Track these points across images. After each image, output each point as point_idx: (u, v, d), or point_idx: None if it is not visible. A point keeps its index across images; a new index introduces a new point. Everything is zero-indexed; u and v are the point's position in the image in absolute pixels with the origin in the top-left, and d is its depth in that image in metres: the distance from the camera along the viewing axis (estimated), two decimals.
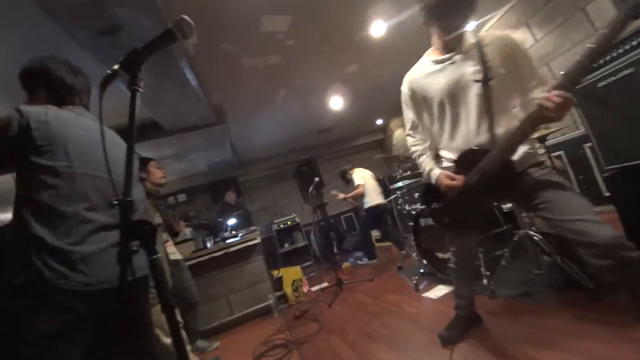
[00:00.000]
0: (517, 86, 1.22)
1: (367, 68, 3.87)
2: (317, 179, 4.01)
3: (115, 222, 1.04)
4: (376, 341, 2.03)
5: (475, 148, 1.24)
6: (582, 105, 1.95)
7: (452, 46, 1.25)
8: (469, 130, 1.26)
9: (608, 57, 1.64)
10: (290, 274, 3.84)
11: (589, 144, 3.17)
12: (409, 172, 3.87)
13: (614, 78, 1.61)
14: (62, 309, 0.86)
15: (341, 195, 4.27)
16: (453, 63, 1.26)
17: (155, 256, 0.57)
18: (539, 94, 1.02)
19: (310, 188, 3.88)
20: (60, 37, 2.01)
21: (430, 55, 1.35)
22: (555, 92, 0.94)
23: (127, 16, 1.95)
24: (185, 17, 0.68)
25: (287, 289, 3.66)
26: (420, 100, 1.39)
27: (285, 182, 7.10)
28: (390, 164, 4.49)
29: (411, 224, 2.97)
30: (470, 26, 1.26)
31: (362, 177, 4.27)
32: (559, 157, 3.50)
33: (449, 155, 1.38)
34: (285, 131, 5.52)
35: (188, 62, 2.65)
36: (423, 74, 1.34)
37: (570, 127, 3.37)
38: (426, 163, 1.41)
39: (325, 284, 3.94)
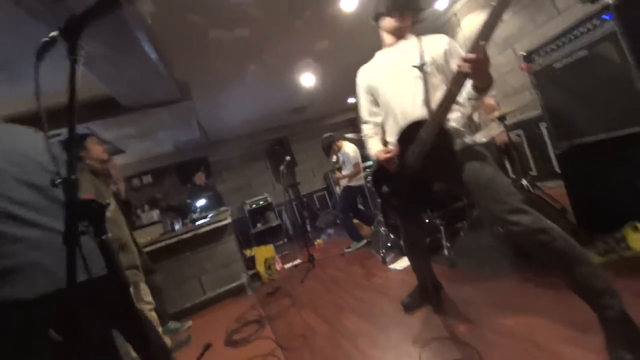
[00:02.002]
0: (447, 76, 1.36)
1: (339, 45, 3.79)
2: (288, 157, 3.97)
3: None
4: (346, 312, 2.13)
5: (413, 122, 1.32)
6: (539, 86, 2.06)
7: (401, 35, 1.45)
8: (406, 109, 1.38)
9: (565, 40, 1.73)
10: (263, 252, 3.87)
11: (545, 123, 3.37)
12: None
13: (569, 60, 1.71)
14: None
15: (339, 174, 3.84)
16: (396, 51, 1.45)
17: (104, 236, 0.55)
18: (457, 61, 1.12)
19: (281, 167, 3.84)
20: (10, 6, 1.80)
21: (380, 51, 1.56)
22: (473, 48, 1.03)
23: None
24: None
25: (260, 268, 3.70)
26: (369, 93, 1.55)
27: (257, 162, 6.99)
28: (362, 142, 4.57)
29: (379, 201, 3.06)
30: (441, 4, 1.36)
31: (356, 152, 3.91)
32: (518, 135, 3.71)
33: (392, 137, 1.48)
34: (257, 109, 5.36)
35: (146, 34, 2.47)
36: (371, 66, 1.56)
37: (529, 106, 3.55)
38: (372, 144, 1.53)
39: (298, 261, 4.02)
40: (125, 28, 2.20)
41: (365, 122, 1.62)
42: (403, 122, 1.37)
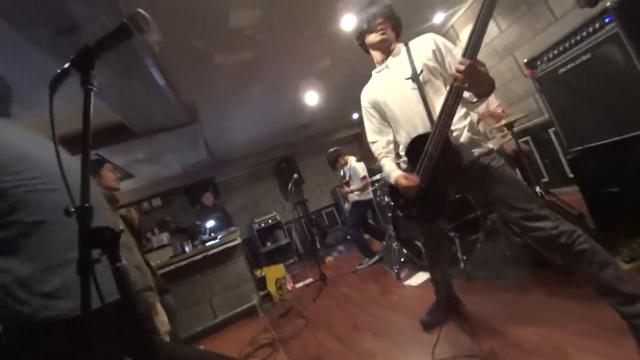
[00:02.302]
0: (445, 76, 1.34)
1: (340, 62, 3.87)
2: (295, 175, 3.98)
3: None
4: (361, 331, 2.06)
5: (418, 135, 1.32)
6: (545, 92, 2.04)
7: (387, 48, 1.44)
8: (411, 123, 1.37)
9: (567, 44, 1.73)
10: (274, 272, 3.82)
11: (553, 129, 3.33)
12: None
13: (573, 64, 1.70)
14: None
15: (347, 189, 3.81)
16: (387, 67, 1.45)
17: (119, 264, 0.54)
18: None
19: (289, 185, 3.84)
20: (16, 39, 1.89)
21: (374, 70, 1.55)
22: (459, 61, 1.01)
23: (86, 14, 1.84)
24: (141, 10, 0.64)
25: (271, 288, 3.64)
26: (376, 110, 1.53)
27: (264, 181, 7.02)
28: (370, 157, 4.55)
29: (390, 214, 3.02)
30: (439, 18, 1.36)
31: (363, 167, 3.88)
32: (526, 142, 3.67)
33: (402, 151, 1.49)
34: (262, 129, 5.44)
35: (154, 61, 2.54)
36: (372, 85, 1.55)
37: (536, 113, 3.53)
38: (388, 165, 1.50)
39: (309, 280, 3.94)
40: (134, 56, 2.28)
41: (374, 142, 1.58)
42: (409, 137, 1.37)
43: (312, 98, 4.74)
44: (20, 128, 1.00)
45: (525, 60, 2.02)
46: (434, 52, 1.32)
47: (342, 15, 3.01)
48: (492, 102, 2.84)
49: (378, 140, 1.56)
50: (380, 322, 2.08)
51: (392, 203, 1.65)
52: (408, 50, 1.38)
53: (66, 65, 0.62)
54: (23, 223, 0.84)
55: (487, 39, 3.65)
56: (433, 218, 1.54)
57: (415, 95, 1.33)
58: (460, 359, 1.38)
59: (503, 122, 2.32)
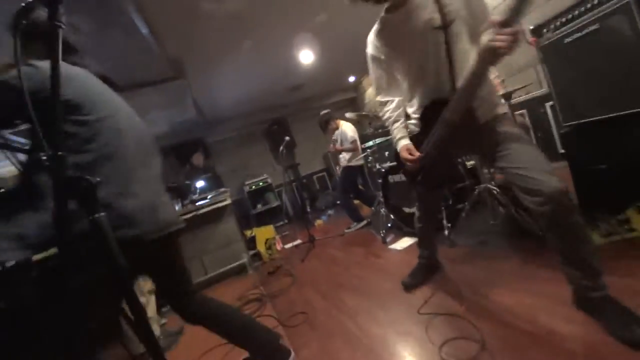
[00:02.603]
0: (473, 30, 1.16)
1: (338, 18, 3.65)
2: (287, 138, 3.91)
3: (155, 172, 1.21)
4: (346, 290, 2.15)
5: (436, 101, 1.21)
6: (547, 62, 1.98)
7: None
8: (430, 84, 1.23)
9: (576, 12, 1.64)
10: (264, 233, 3.89)
11: (550, 103, 3.30)
12: (380, 131, 3.88)
13: (579, 34, 1.63)
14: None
15: (338, 146, 3.77)
16: (408, 13, 1.19)
17: (97, 215, 0.52)
18: (488, 35, 0.98)
19: (281, 148, 3.79)
20: None
21: (385, 14, 1.30)
22: (506, 29, 0.89)
23: None
24: None
25: (261, 248, 3.73)
26: (384, 59, 1.35)
27: (256, 143, 6.90)
28: (361, 122, 4.46)
29: (380, 181, 3.04)
30: None
31: (354, 131, 3.85)
32: (522, 115, 3.64)
33: (415, 114, 1.37)
34: (254, 88, 5.23)
35: (136, 7, 2.35)
36: (383, 28, 1.31)
37: (534, 85, 3.47)
38: (397, 131, 1.41)
39: (298, 241, 4.05)
40: (116, 1, 2.09)
41: (385, 102, 1.45)
42: (426, 99, 1.25)
43: (306, 57, 4.53)
44: (92, 74, 1.16)
45: (531, 27, 1.93)
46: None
47: None
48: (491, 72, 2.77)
49: (389, 101, 1.43)
50: (364, 282, 2.18)
51: (397, 165, 1.54)
52: None
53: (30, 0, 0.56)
54: (99, 151, 0.99)
55: (494, 1, 3.47)
56: (438, 185, 1.52)
57: (441, 49, 1.14)
58: (438, 317, 1.46)
59: (501, 92, 2.28)
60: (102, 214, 0.53)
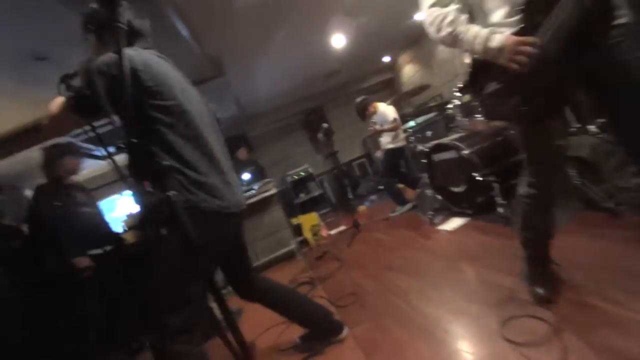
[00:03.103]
0: None
1: None
2: (325, 124, 3.92)
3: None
4: (395, 271, 2.14)
5: None
6: None
7: None
8: None
9: None
10: (309, 220, 3.98)
11: None
12: (420, 109, 3.72)
13: None
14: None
15: (377, 127, 3.65)
16: None
17: (169, 193, 0.58)
18: None
19: (319, 134, 3.81)
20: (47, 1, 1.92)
21: None
22: None
23: None
24: None
25: (307, 234, 3.83)
26: None
27: (295, 133, 7.03)
28: (401, 103, 4.30)
29: (424, 161, 2.94)
30: None
31: (394, 111, 3.72)
32: None
33: (506, 17, 0.93)
34: (290, 78, 5.30)
35: (176, 11, 2.49)
36: None
37: None
38: (472, 28, 0.94)
39: (342, 227, 4.08)
40: (156, 7, 2.23)
41: (452, 8, 0.99)
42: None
43: (339, 41, 4.47)
44: (164, 60, 1.18)
45: None
46: None
47: None
48: None
49: (445, 3, 1.00)
50: (413, 264, 2.15)
51: (473, 91, 1.10)
52: None
53: (93, 4, 0.62)
54: (183, 134, 1.05)
55: None
56: (548, 114, 0.98)
57: None
58: (495, 297, 1.40)
59: None
60: (175, 192, 0.59)
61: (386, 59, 6.57)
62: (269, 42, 3.78)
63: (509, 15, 0.92)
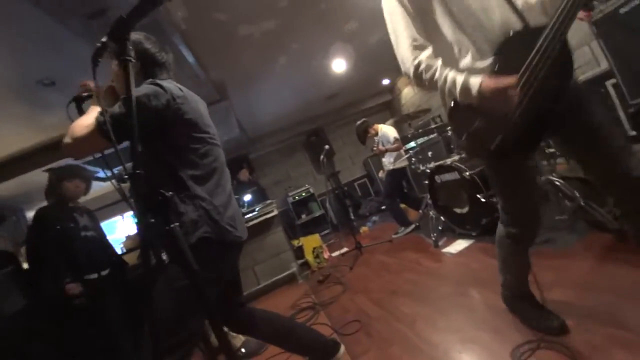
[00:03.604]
0: None
1: (368, 24, 3.65)
2: (326, 146, 3.95)
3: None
4: (401, 296, 2.08)
5: (515, 34, 0.90)
6: (604, 37, 1.80)
7: None
8: (492, 21, 0.93)
9: None
10: (310, 242, 3.93)
11: (612, 81, 2.95)
12: (420, 131, 3.76)
13: (637, 2, 1.47)
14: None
15: (382, 147, 3.65)
16: None
17: (172, 225, 0.57)
18: None
19: (321, 156, 3.83)
20: (53, 28, 1.99)
21: None
22: None
23: None
24: None
25: (309, 257, 3.77)
26: (417, 8, 1.03)
27: (296, 154, 7.08)
28: (401, 125, 4.35)
29: (427, 182, 2.94)
30: None
31: (394, 132, 3.74)
32: None
33: (478, 61, 0.96)
34: (291, 101, 5.40)
35: (182, 38, 2.57)
36: None
37: (590, 64, 3.14)
38: (450, 72, 0.95)
39: (345, 249, 4.02)
40: (162, 34, 2.30)
41: (417, 47, 1.01)
42: (490, 41, 0.93)
43: (339, 65, 4.59)
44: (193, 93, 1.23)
45: None
46: None
47: None
48: None
49: (424, 45, 1.02)
50: (418, 288, 2.09)
51: (457, 131, 1.11)
52: None
53: (104, 38, 0.64)
54: (210, 166, 1.11)
55: None
56: (531, 147, 1.02)
57: None
58: (505, 323, 1.35)
59: None
60: (176, 224, 0.59)
61: (385, 81, 6.72)
62: (271, 67, 3.88)
63: (477, 60, 0.96)
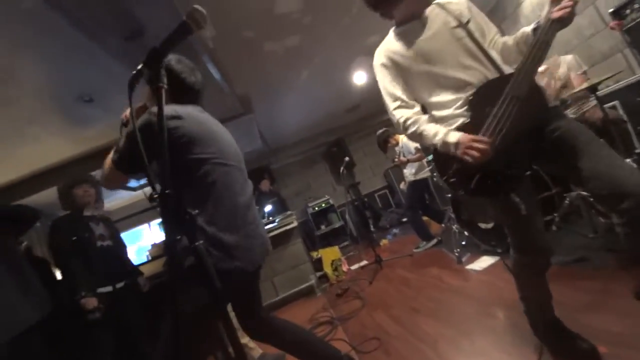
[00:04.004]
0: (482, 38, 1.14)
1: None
2: (347, 158, 3.96)
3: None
4: (422, 314, 2.02)
5: (486, 84, 1.03)
6: (637, 44, 1.71)
7: (417, 11, 1.18)
8: (465, 71, 1.08)
9: None
10: (329, 254, 3.91)
11: None
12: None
13: None
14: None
15: (403, 158, 3.58)
16: (422, 22, 1.16)
17: (197, 243, 0.60)
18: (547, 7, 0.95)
19: (341, 168, 3.84)
20: (92, 47, 2.15)
21: (397, 27, 1.25)
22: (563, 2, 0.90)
23: (148, 16, 2.00)
24: (197, 6, 0.67)
25: (327, 269, 3.74)
26: (400, 70, 1.20)
27: (316, 165, 7.13)
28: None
29: (449, 195, 2.86)
30: None
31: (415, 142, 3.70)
32: (613, 107, 3.14)
33: (455, 110, 1.11)
34: (312, 113, 5.48)
35: (210, 57, 2.69)
36: (396, 41, 1.22)
37: (625, 72, 2.99)
38: (431, 127, 1.10)
39: (364, 262, 3.96)
40: (192, 54, 2.43)
41: (402, 106, 1.18)
42: (468, 88, 1.07)
43: (360, 78, 4.62)
44: (207, 114, 1.28)
45: (611, 10, 1.71)
46: (469, 9, 1.15)
47: None
48: (573, 66, 2.46)
49: (407, 103, 1.18)
50: (442, 307, 2.02)
51: (439, 173, 1.21)
52: (443, 6, 1.15)
53: (140, 67, 0.69)
54: (208, 188, 1.10)
55: None
56: (508, 189, 1.08)
57: (467, 41, 1.09)
58: (533, 349, 1.28)
59: (584, 85, 2.01)
60: (201, 241, 0.61)
61: None
62: (293, 81, 3.97)
63: (453, 109, 1.10)
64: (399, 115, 1.18)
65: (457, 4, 1.16)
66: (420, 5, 1.18)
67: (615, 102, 3.15)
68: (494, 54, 1.11)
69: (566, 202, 2.01)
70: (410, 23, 1.19)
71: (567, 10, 0.90)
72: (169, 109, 1.06)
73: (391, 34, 1.27)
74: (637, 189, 0.86)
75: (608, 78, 2.19)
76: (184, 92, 1.20)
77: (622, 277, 1.47)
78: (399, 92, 1.19)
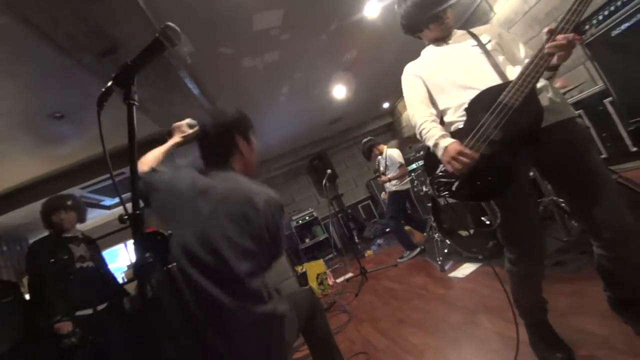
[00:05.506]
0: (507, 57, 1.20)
1: (367, 52, 3.78)
2: (329, 171, 3.98)
3: None
4: (408, 326, 2.01)
5: (486, 90, 1.07)
6: (597, 58, 1.83)
7: (442, 36, 1.31)
8: (474, 78, 1.14)
9: (619, 3, 1.54)
10: (314, 268, 3.86)
11: (610, 99, 2.99)
12: (421, 153, 3.79)
13: (627, 24, 1.51)
14: None
15: (384, 177, 3.61)
16: (446, 43, 1.30)
17: (170, 265, 0.57)
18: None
19: (324, 181, 3.84)
20: (65, 64, 2.09)
21: (427, 48, 1.38)
22: (568, 36, 0.91)
23: (124, 34, 1.98)
24: (170, 23, 0.67)
25: (313, 284, 3.69)
26: (423, 81, 1.31)
27: (299, 178, 7.12)
28: (403, 148, 4.39)
29: (430, 204, 2.92)
30: None
31: (400, 155, 3.82)
32: (579, 116, 3.33)
33: (457, 113, 1.19)
34: (294, 127, 5.51)
35: (188, 72, 2.67)
36: (424, 59, 1.35)
37: (588, 82, 3.19)
38: (436, 129, 1.18)
39: (349, 275, 3.94)
40: (169, 70, 2.41)
41: (419, 111, 1.28)
42: (472, 92, 1.12)
43: (340, 92, 4.70)
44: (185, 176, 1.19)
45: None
46: (500, 35, 1.23)
47: (365, 2, 2.94)
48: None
49: (424, 109, 1.28)
50: (427, 317, 2.02)
51: (426, 171, 1.32)
52: (470, 32, 1.27)
53: (109, 84, 0.67)
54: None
55: (526, 6, 3.37)
56: (490, 194, 1.15)
57: (481, 58, 1.16)
58: (520, 355, 1.29)
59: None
60: (174, 264, 0.59)
61: (386, 105, 6.85)
62: (274, 97, 4.00)
63: (457, 113, 1.18)
64: (416, 120, 1.29)
65: (484, 29, 1.26)
66: (444, 32, 1.30)
67: (580, 111, 3.35)
68: (510, 70, 1.14)
69: (540, 207, 2.08)
70: (437, 43, 1.33)
71: (555, 50, 0.93)
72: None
73: (423, 52, 1.40)
74: (609, 234, 0.98)
75: (572, 89, 2.34)
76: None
77: (598, 279, 1.53)
78: (424, 109, 1.28)
